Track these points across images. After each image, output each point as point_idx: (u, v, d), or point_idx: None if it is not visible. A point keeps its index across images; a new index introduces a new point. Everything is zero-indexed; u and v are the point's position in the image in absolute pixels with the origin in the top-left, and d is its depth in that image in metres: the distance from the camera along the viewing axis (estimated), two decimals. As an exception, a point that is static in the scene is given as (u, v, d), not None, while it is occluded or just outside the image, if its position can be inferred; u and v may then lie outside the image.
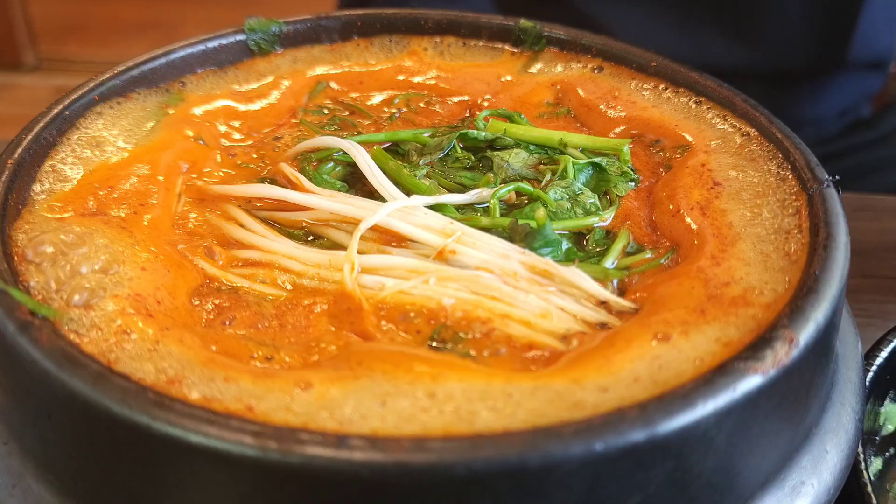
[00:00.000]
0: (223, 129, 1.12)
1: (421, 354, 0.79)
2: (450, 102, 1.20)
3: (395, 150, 1.09)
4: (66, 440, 0.74)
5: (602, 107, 1.16)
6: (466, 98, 1.21)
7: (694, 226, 0.94)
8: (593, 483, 0.66)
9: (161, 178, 0.99)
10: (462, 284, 0.87)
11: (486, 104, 1.19)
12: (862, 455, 0.95)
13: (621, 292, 0.90)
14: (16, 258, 0.84)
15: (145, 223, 0.92)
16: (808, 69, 2.03)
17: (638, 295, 0.88)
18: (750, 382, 0.71)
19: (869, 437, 1.06)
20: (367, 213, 0.92)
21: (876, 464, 1.05)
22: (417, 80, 1.23)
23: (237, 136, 1.12)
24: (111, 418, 0.67)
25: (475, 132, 1.07)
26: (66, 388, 0.69)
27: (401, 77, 1.23)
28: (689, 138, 1.08)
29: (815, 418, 0.85)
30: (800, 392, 0.79)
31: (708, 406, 0.68)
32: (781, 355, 0.73)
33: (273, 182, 1.03)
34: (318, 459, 0.63)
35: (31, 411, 0.76)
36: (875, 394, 1.05)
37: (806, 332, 0.76)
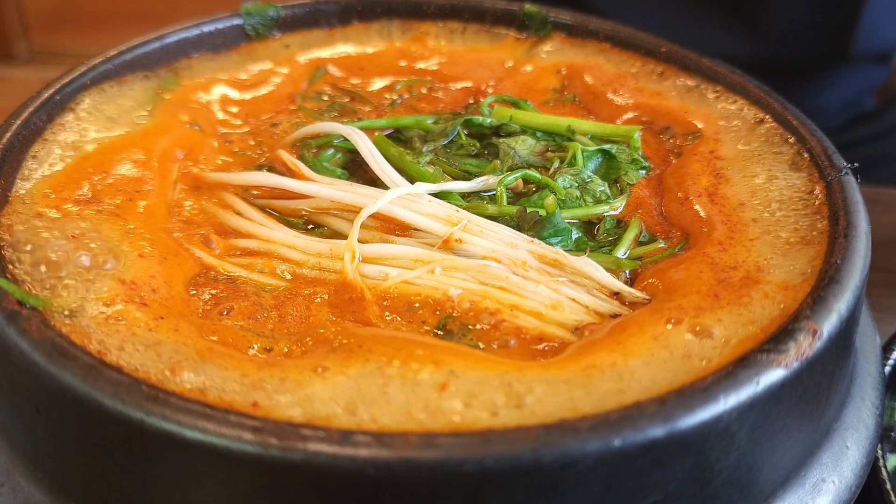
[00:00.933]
0: (220, 115, 1.09)
1: (426, 341, 0.76)
2: (453, 88, 1.17)
3: (398, 137, 1.06)
4: (57, 436, 0.70)
5: (610, 93, 1.13)
6: (470, 84, 1.18)
7: (703, 213, 0.91)
8: (610, 481, 0.63)
9: (156, 164, 0.95)
10: (469, 274, 0.84)
11: (490, 90, 1.16)
12: (880, 451, 0.93)
13: (630, 281, 0.87)
14: (4, 246, 0.80)
15: (140, 210, 0.89)
16: (812, 61, 2.00)
17: (649, 282, 0.85)
18: (773, 375, 0.68)
19: (885, 432, 1.03)
20: (369, 200, 0.89)
21: (892, 460, 1.02)
22: (419, 65, 1.20)
23: (234, 122, 1.08)
24: (103, 413, 0.64)
25: (480, 118, 1.04)
26: (56, 381, 0.66)
27: (402, 62, 1.20)
28: (700, 125, 1.05)
29: (835, 413, 0.82)
30: (821, 386, 0.76)
31: (730, 400, 0.65)
32: (805, 347, 0.70)
33: (271, 169, 1.00)
34: (321, 456, 0.60)
35: (20, 406, 0.73)
36: (892, 388, 1.02)
37: (829, 323, 0.73)
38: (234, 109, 1.10)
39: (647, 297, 0.83)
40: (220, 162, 1.01)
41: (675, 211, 0.94)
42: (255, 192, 0.96)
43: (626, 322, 0.78)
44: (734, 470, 0.69)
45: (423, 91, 1.16)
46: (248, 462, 0.61)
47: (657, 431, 0.63)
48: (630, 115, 1.10)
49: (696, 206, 0.92)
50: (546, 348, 0.78)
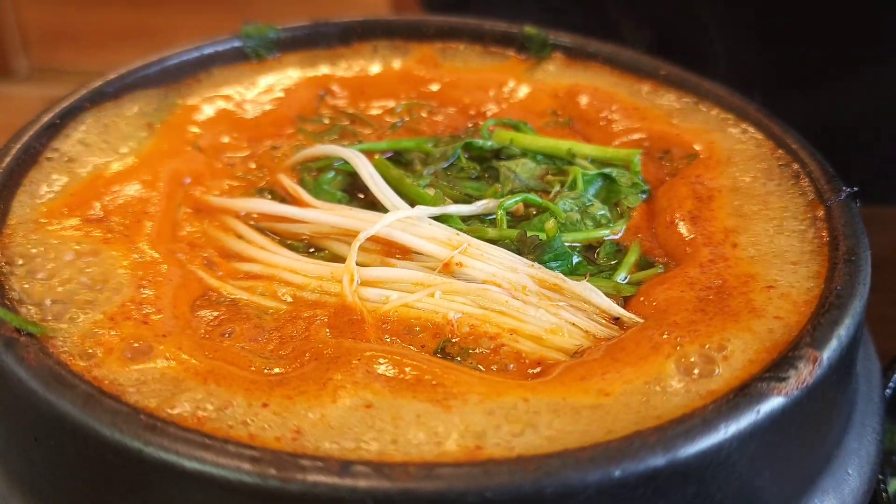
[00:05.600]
0: (220, 138, 1.08)
1: (424, 357, 0.76)
2: (453, 111, 1.17)
3: (398, 159, 1.06)
4: (54, 464, 0.70)
5: (609, 116, 1.13)
6: (470, 106, 1.17)
7: (687, 235, 0.91)
8: (611, 511, 0.63)
9: (160, 186, 0.95)
10: (469, 298, 0.84)
11: (489, 113, 1.16)
12: (881, 476, 0.92)
13: (624, 304, 0.87)
14: (2, 271, 0.80)
15: (144, 233, 0.89)
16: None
17: (640, 300, 0.85)
18: (773, 404, 0.68)
19: (886, 456, 1.03)
20: (368, 224, 0.89)
21: (893, 485, 1.02)
22: (420, 87, 1.20)
23: (234, 145, 1.08)
24: (101, 442, 0.64)
25: (480, 141, 1.04)
26: (54, 409, 0.66)
27: (402, 84, 1.20)
28: (698, 147, 1.05)
29: (836, 440, 0.82)
30: (822, 413, 0.76)
31: (731, 429, 0.65)
32: (805, 375, 0.70)
33: (272, 193, 1.00)
34: (320, 487, 0.60)
35: (18, 434, 0.72)
36: (892, 412, 1.02)
37: (830, 350, 0.73)
38: (235, 132, 1.09)
39: (642, 320, 0.83)
40: (223, 185, 1.01)
41: (663, 234, 0.95)
42: (255, 215, 0.96)
43: (624, 342, 0.78)
44: (735, 499, 0.68)
45: (423, 114, 1.16)
46: (246, 492, 0.61)
47: (658, 461, 0.63)
48: (630, 137, 1.10)
49: (682, 230, 0.92)
50: (541, 370, 0.78)
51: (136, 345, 0.74)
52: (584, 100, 1.15)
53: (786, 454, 0.72)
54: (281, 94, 1.16)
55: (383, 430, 0.67)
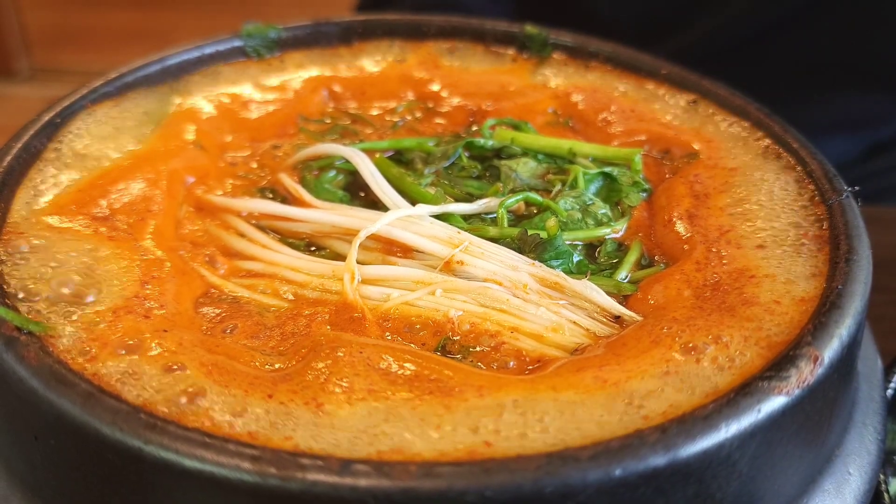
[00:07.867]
0: (221, 137, 1.08)
1: (425, 355, 0.77)
2: (454, 110, 1.17)
3: (399, 158, 1.06)
4: (54, 463, 0.70)
5: (610, 115, 1.13)
6: (471, 106, 1.17)
7: (684, 234, 0.91)
8: (612, 510, 0.63)
9: (163, 184, 0.95)
10: (470, 296, 0.84)
11: (490, 112, 1.16)
12: (882, 476, 0.92)
13: (624, 301, 0.87)
14: (3, 270, 0.80)
15: (147, 231, 0.89)
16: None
17: (637, 297, 0.86)
18: (774, 403, 0.67)
19: (887, 456, 1.02)
20: (368, 223, 0.89)
21: (895, 485, 1.02)
22: (421, 87, 1.20)
23: (236, 144, 1.08)
24: (101, 441, 0.64)
25: (482, 140, 1.04)
26: (54, 408, 0.66)
27: (403, 84, 1.20)
28: (698, 147, 1.05)
29: (837, 439, 0.82)
30: (823, 412, 0.75)
31: (731, 428, 0.65)
32: (806, 374, 0.70)
33: (273, 192, 1.00)
34: (320, 486, 0.60)
35: (17, 432, 0.72)
36: (893, 412, 1.01)
37: (831, 349, 0.72)
38: (236, 131, 1.10)
39: (642, 317, 0.83)
40: (224, 184, 1.01)
41: (662, 232, 0.95)
42: (257, 214, 0.96)
43: (625, 338, 0.78)
44: (736, 498, 0.68)
45: (422, 114, 1.16)
46: (246, 491, 0.61)
47: (658, 460, 0.62)
48: (630, 137, 1.10)
49: (679, 228, 0.92)
50: (540, 366, 0.78)
51: (137, 342, 0.74)
52: (584, 100, 1.15)
53: (786, 453, 0.71)
54: (282, 94, 1.16)
55: (384, 428, 0.67)
